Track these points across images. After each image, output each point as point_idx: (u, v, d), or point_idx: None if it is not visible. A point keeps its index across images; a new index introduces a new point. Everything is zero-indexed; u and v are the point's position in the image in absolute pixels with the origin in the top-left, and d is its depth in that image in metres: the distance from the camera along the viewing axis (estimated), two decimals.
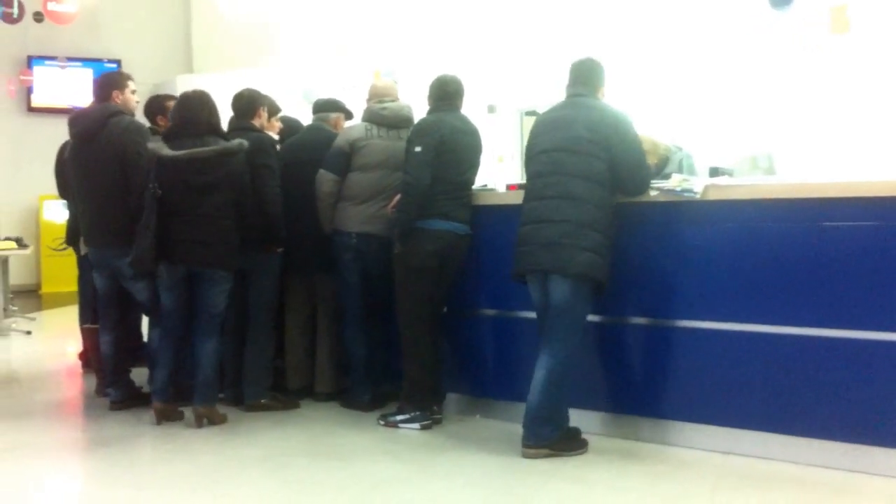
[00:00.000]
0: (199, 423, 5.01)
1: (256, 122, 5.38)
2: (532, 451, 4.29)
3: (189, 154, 4.88)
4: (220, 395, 5.29)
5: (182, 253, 4.94)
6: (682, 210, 4.39)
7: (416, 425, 4.94)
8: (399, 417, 5.00)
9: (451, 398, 5.25)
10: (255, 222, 5.13)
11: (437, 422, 4.99)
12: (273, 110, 5.88)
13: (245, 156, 5.02)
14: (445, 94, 5.03)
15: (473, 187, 5.17)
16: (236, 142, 4.98)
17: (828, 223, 4.04)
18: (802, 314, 4.10)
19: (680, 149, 5.26)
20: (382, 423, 5.03)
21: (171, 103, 5.54)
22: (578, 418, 4.53)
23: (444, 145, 4.84)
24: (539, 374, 4.28)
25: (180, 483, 4.18)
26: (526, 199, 4.46)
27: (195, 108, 5.05)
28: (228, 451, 4.64)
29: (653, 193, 4.41)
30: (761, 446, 4.21)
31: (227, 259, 4.98)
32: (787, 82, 7.22)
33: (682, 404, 4.44)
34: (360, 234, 5.22)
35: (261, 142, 5.25)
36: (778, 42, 7.33)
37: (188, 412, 5.08)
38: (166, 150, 4.90)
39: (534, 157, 4.48)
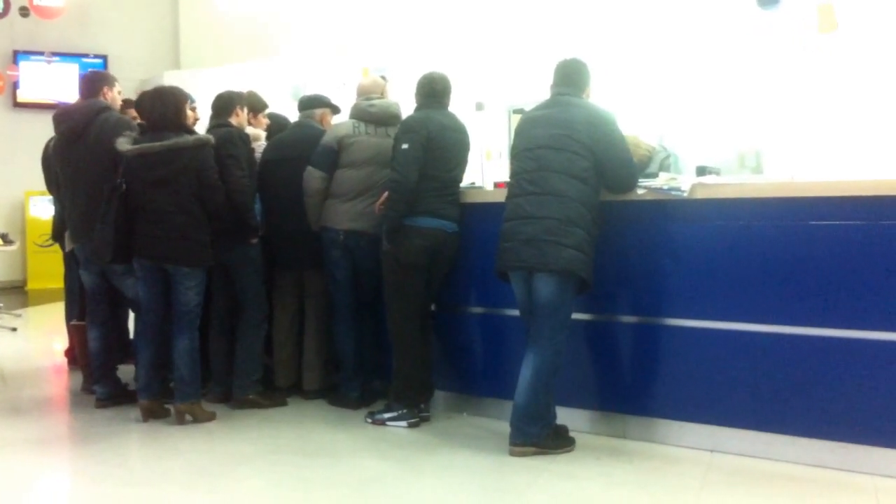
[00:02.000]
0: (180, 420, 5.01)
1: (234, 121, 5.36)
2: (519, 448, 4.31)
3: (139, 149, 4.90)
4: (203, 391, 5.27)
5: (143, 247, 4.96)
6: (669, 208, 4.40)
7: (404, 423, 4.94)
8: (387, 415, 5.00)
9: (439, 396, 5.25)
10: (227, 216, 5.11)
11: (426, 419, 4.99)
12: (259, 106, 5.88)
13: (210, 150, 5.01)
14: (433, 91, 5.04)
15: (462, 185, 5.18)
16: (192, 137, 4.98)
17: (815, 222, 4.06)
18: (790, 313, 4.11)
19: (665, 148, 5.29)
20: (370, 420, 5.03)
21: None
22: (566, 416, 4.55)
23: (431, 142, 4.85)
24: (526, 373, 4.29)
25: (168, 480, 4.18)
26: (509, 195, 4.47)
27: (154, 103, 5.06)
28: (217, 448, 4.64)
29: (640, 192, 4.42)
30: (748, 444, 4.23)
31: (186, 255, 4.96)
32: (774, 81, 7.24)
33: (669, 402, 4.46)
34: (348, 231, 5.21)
35: (228, 135, 5.22)
36: (765, 41, 7.35)
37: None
38: (125, 146, 4.91)
39: (518, 154, 4.50)
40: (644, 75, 7.89)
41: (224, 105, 5.39)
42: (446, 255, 4.98)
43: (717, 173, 5.06)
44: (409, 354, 4.97)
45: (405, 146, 4.83)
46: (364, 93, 5.45)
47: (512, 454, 4.31)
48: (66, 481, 4.54)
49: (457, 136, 5.00)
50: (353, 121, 5.33)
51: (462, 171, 5.08)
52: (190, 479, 4.20)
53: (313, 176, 5.28)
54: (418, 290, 4.96)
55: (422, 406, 5.02)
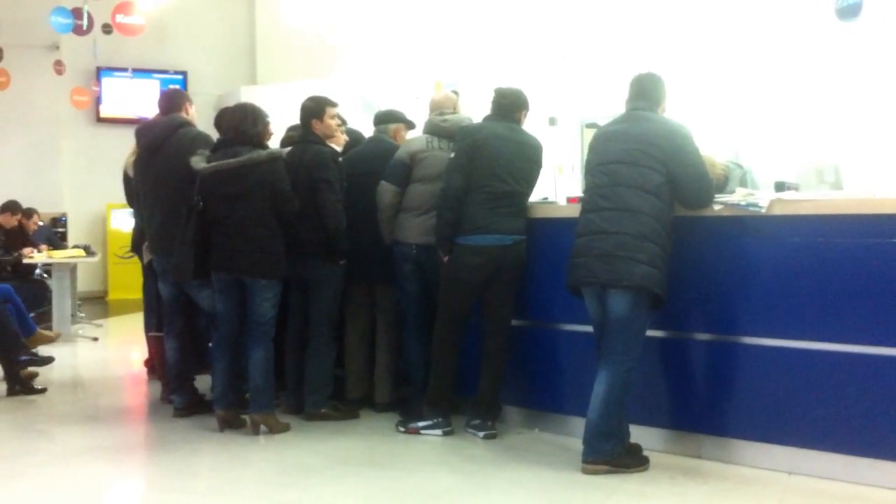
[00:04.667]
0: (255, 430, 5.08)
1: (318, 131, 5.39)
2: (591, 466, 4.26)
3: (215, 167, 5.00)
4: (276, 402, 5.34)
5: (221, 260, 5.05)
6: (746, 224, 4.33)
7: (439, 431, 5.00)
8: (421, 424, 5.04)
9: (511, 411, 5.24)
10: (309, 234, 5.19)
11: (492, 437, 4.97)
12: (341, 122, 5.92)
13: (282, 163, 5.09)
14: (500, 104, 5.06)
15: (533, 199, 5.17)
16: (265, 152, 5.06)
17: None
18: (869, 332, 4.01)
19: (739, 166, 5.20)
20: (402, 430, 5.08)
21: None
22: (640, 435, 4.50)
23: (476, 150, 4.87)
24: (599, 389, 4.25)
25: (240, 490, 4.24)
26: (582, 210, 4.45)
27: (228, 119, 5.18)
28: (288, 459, 4.69)
29: (717, 208, 4.36)
30: (827, 466, 4.13)
31: (263, 267, 5.03)
32: (853, 93, 7.10)
33: (745, 422, 4.37)
34: (419, 245, 5.24)
35: (321, 155, 5.29)
36: (844, 53, 7.22)
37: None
38: (201, 164, 5.01)
39: (591, 169, 4.47)
40: (720, 89, 7.80)
41: (302, 116, 5.44)
42: (509, 266, 4.94)
43: (797, 189, 4.95)
44: (445, 364, 5.02)
45: (452, 155, 4.96)
46: (436, 108, 5.48)
47: (584, 472, 4.27)
48: (140, 489, 4.63)
49: (510, 145, 4.95)
50: (427, 136, 5.36)
51: (521, 182, 4.97)
52: (259, 489, 4.25)
53: (386, 190, 5.32)
54: (464, 307, 5.00)
55: (489, 423, 5.01)
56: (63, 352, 7.83)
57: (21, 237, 9.56)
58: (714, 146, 5.34)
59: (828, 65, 7.29)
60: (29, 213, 9.84)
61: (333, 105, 5.47)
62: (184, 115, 5.54)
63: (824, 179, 5.54)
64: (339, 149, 5.56)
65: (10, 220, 9.53)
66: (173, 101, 5.61)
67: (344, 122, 5.81)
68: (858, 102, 7.06)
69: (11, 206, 9.61)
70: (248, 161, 4.98)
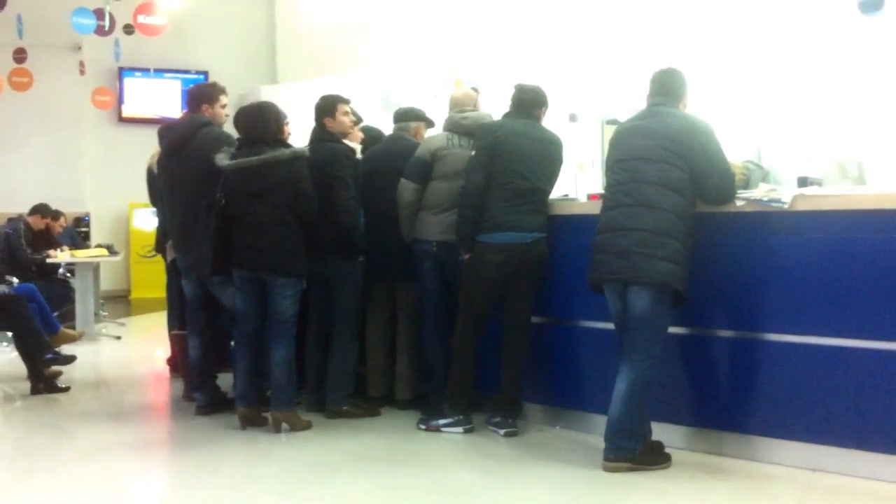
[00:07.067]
0: (277, 427, 5.09)
1: (331, 128, 5.38)
2: (613, 464, 4.25)
3: (237, 164, 5.03)
4: (298, 400, 5.35)
5: (242, 258, 5.07)
6: (769, 220, 4.30)
7: (460, 429, 5.02)
8: (442, 421, 5.05)
9: (532, 408, 5.23)
10: (327, 231, 5.19)
11: (513, 434, 4.97)
12: (354, 119, 5.94)
13: (305, 162, 5.09)
14: (520, 101, 5.05)
15: (554, 196, 5.16)
16: (288, 150, 5.07)
17: None
18: (891, 328, 3.97)
19: (759, 166, 5.16)
20: (423, 427, 5.08)
21: None
22: (662, 432, 4.48)
23: (497, 147, 4.87)
24: (620, 386, 4.24)
25: (262, 487, 4.24)
26: (604, 207, 4.43)
27: (249, 119, 5.17)
28: (310, 456, 4.70)
29: (739, 203, 4.33)
30: (851, 463, 4.10)
31: (284, 265, 5.04)
32: (876, 88, 7.04)
33: (768, 419, 4.35)
34: (440, 243, 5.24)
35: (334, 152, 5.30)
36: (868, 47, 7.15)
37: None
38: (224, 161, 5.03)
39: (612, 166, 4.46)
40: (742, 84, 7.75)
41: (316, 115, 5.45)
42: (530, 264, 4.93)
43: (820, 184, 4.92)
44: (465, 362, 5.03)
45: (473, 153, 4.96)
46: (457, 105, 5.47)
47: (605, 469, 4.26)
48: (162, 486, 4.65)
49: (531, 143, 4.95)
50: (447, 133, 5.35)
51: (542, 180, 4.98)
52: (282, 486, 4.26)
53: (407, 188, 5.31)
54: (484, 305, 5.00)
55: (510, 421, 5.01)
56: (86, 350, 7.89)
57: (47, 238, 9.67)
58: (735, 143, 5.31)
59: (850, 59, 7.22)
60: (56, 215, 9.94)
61: (345, 102, 5.47)
62: (205, 114, 5.55)
63: (847, 175, 5.50)
64: (356, 145, 5.56)
65: (39, 223, 9.65)
66: (192, 100, 5.64)
67: (359, 120, 5.81)
68: (882, 97, 6.99)
69: (41, 209, 9.74)
70: (271, 159, 4.99)
